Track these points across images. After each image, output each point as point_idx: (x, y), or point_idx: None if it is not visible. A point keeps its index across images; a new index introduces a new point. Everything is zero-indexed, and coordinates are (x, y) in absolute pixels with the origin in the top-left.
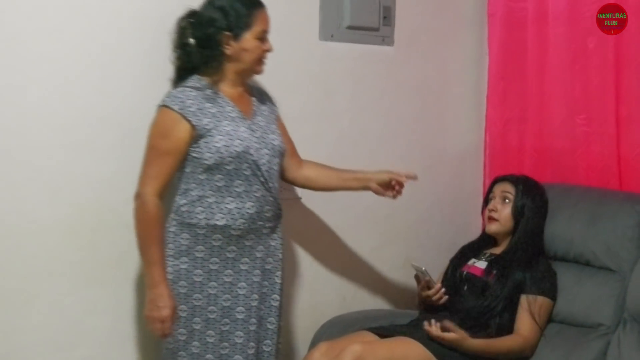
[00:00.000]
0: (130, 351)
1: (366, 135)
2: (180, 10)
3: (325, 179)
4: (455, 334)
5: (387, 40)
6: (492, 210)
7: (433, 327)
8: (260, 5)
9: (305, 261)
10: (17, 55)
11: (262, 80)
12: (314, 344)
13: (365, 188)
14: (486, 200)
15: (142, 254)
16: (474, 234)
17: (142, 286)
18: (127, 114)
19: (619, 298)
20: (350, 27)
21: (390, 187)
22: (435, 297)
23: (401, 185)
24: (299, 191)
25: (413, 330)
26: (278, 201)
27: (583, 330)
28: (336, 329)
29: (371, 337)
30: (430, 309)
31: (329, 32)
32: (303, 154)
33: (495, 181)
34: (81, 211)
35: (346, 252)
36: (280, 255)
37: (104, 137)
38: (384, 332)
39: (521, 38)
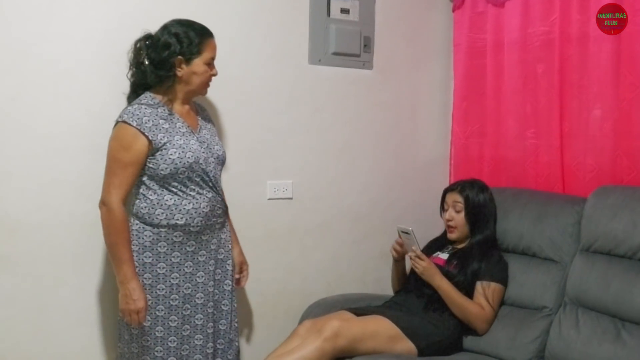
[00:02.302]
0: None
1: (348, 146)
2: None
3: None
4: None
5: (367, 64)
6: (449, 220)
7: (417, 251)
8: (210, 35)
9: (296, 252)
10: (48, 73)
11: (260, 97)
12: (301, 322)
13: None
14: (442, 207)
15: (113, 255)
16: (439, 231)
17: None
18: None
19: (561, 285)
20: (335, 53)
21: (238, 271)
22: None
23: (238, 282)
24: (291, 192)
25: (385, 309)
26: (224, 200)
27: (530, 312)
28: (320, 309)
29: (349, 315)
30: (401, 290)
31: (317, 57)
32: (293, 164)
33: (445, 191)
34: None
35: (331, 245)
36: (229, 246)
37: None
38: (360, 311)
39: (481, 64)
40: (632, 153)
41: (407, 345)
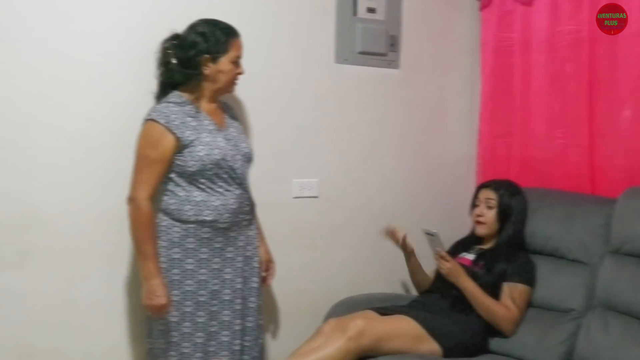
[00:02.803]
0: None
1: (374, 145)
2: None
3: None
4: (452, 264)
5: (394, 64)
6: (479, 215)
7: (442, 252)
8: (236, 34)
9: (321, 251)
10: (74, 72)
11: (286, 96)
12: (325, 320)
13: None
14: (473, 204)
15: (138, 251)
16: (466, 231)
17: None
18: None
19: (589, 287)
20: (361, 52)
21: (264, 269)
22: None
23: (264, 280)
24: (316, 191)
25: (410, 309)
26: (251, 198)
27: (557, 314)
28: (345, 308)
29: (373, 314)
30: (426, 290)
31: (343, 57)
32: (318, 162)
33: (479, 188)
34: None
35: (356, 244)
36: (256, 243)
37: None
38: (385, 311)
39: (509, 64)
40: None
41: (431, 346)
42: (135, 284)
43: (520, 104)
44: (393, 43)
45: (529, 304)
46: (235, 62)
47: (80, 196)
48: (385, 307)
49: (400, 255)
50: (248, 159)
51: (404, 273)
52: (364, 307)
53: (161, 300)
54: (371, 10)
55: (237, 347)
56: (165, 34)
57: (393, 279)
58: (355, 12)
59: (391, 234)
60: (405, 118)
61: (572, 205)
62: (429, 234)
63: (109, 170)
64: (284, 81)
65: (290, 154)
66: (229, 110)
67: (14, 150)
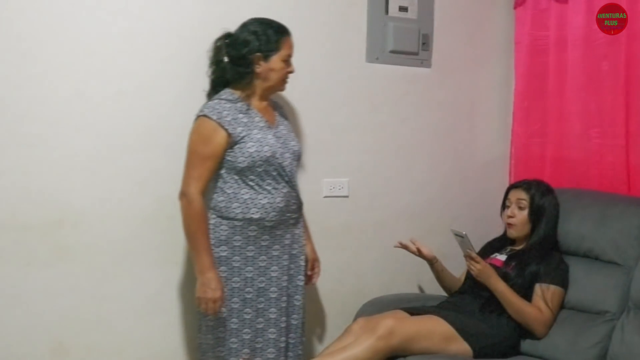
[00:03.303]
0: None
1: (405, 145)
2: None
3: None
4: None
5: (425, 63)
6: (511, 217)
7: (472, 253)
8: (288, 33)
9: (352, 251)
10: (112, 71)
11: (317, 95)
12: (355, 319)
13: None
14: (503, 206)
15: (192, 245)
16: (498, 232)
17: None
18: None
19: (624, 288)
20: (393, 51)
21: (310, 267)
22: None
23: (309, 278)
24: (347, 190)
25: (440, 310)
26: (299, 196)
27: (591, 316)
28: (375, 308)
29: (403, 314)
30: (457, 291)
31: (374, 55)
32: (349, 162)
33: (509, 188)
34: (160, 202)
35: (386, 244)
36: (303, 242)
37: (181, 140)
38: (415, 311)
39: (543, 62)
40: None
41: (462, 346)
42: (166, 281)
43: (555, 103)
44: (425, 42)
45: (562, 306)
46: (286, 61)
47: (113, 194)
48: (415, 307)
49: None
50: (297, 157)
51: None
52: (394, 306)
53: (216, 293)
54: (403, 8)
55: (282, 344)
56: (197, 34)
57: (423, 279)
58: (387, 11)
59: (404, 248)
60: (437, 117)
61: (607, 206)
62: (459, 235)
63: (142, 170)
64: (315, 80)
65: (320, 153)
66: (279, 108)
67: (48, 149)
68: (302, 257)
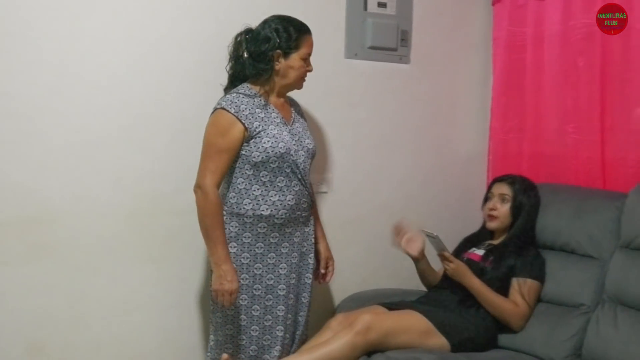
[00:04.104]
0: (175, 318)
1: (385, 141)
2: (217, 34)
3: None
4: (456, 264)
5: (404, 59)
6: (492, 209)
7: (446, 252)
8: (308, 32)
9: (331, 247)
10: (86, 67)
11: (296, 91)
12: (334, 315)
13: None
14: (485, 199)
15: (208, 237)
16: (477, 227)
17: (188, 263)
18: (178, 118)
19: (599, 282)
20: (371, 47)
21: (324, 266)
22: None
23: (323, 277)
24: (326, 186)
25: (419, 304)
26: (311, 194)
27: (567, 310)
28: (354, 303)
29: (381, 309)
30: (433, 286)
31: (353, 51)
32: (328, 157)
33: (493, 181)
34: (139, 199)
35: (366, 239)
36: (312, 240)
37: (159, 136)
38: (393, 306)
39: (521, 58)
40: None
41: (439, 341)
42: (144, 280)
43: (532, 99)
44: (404, 38)
45: (539, 299)
46: (305, 59)
47: (90, 191)
48: (393, 302)
49: None
50: (311, 155)
51: (413, 269)
52: (373, 302)
53: (232, 285)
54: (382, 4)
55: (287, 342)
56: (173, 30)
57: (403, 274)
58: (365, 7)
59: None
60: (415, 113)
61: (583, 200)
62: (430, 236)
63: (119, 166)
64: None
65: None
66: (295, 106)
67: (24, 146)
68: (311, 255)
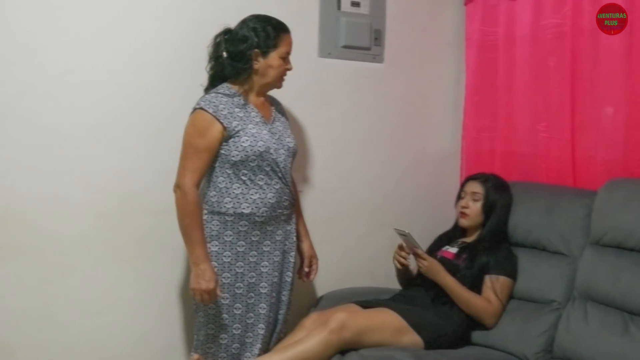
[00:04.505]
0: (149, 319)
1: (359, 140)
2: (190, 33)
3: None
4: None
5: (378, 58)
6: (464, 207)
7: (419, 250)
8: (287, 31)
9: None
10: (54, 64)
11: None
12: (308, 314)
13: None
14: (458, 196)
15: (186, 237)
16: (450, 225)
17: (160, 263)
18: (149, 117)
19: (570, 278)
20: (345, 46)
21: (308, 264)
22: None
23: (307, 275)
24: (301, 185)
25: (392, 302)
26: (292, 192)
27: (538, 306)
28: (329, 302)
29: (355, 308)
30: (408, 284)
31: (326, 50)
32: (303, 156)
33: (466, 180)
34: (109, 198)
35: (341, 238)
36: (294, 238)
37: (130, 135)
38: (367, 304)
39: (493, 58)
40: None
41: (413, 338)
42: (116, 281)
43: (504, 98)
44: (377, 37)
45: (511, 296)
46: (284, 58)
47: (60, 191)
48: (368, 300)
49: (384, 248)
50: (292, 153)
51: (388, 267)
52: (347, 300)
53: (210, 284)
54: (355, 4)
55: (267, 340)
56: (144, 29)
57: (378, 273)
58: (339, 6)
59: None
60: (389, 112)
61: (554, 198)
62: (402, 235)
63: (90, 166)
64: None
65: None
66: (277, 105)
67: None
68: (293, 253)
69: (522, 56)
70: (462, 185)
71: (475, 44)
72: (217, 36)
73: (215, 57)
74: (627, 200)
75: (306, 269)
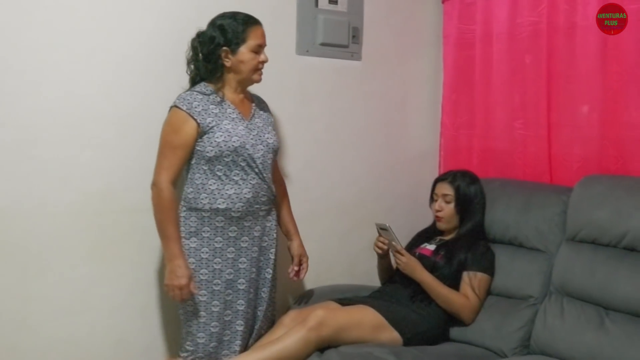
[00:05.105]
0: (129, 318)
1: (337, 138)
2: (169, 31)
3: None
4: (408, 258)
5: (356, 55)
6: (438, 210)
7: (398, 246)
8: (255, 22)
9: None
10: (30, 61)
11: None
12: (287, 312)
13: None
14: (431, 198)
15: (161, 233)
16: (429, 222)
17: (139, 262)
18: (127, 114)
19: (546, 274)
20: (323, 44)
21: (297, 263)
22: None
23: (297, 274)
24: None
25: (371, 299)
26: (272, 188)
27: (516, 301)
28: (308, 299)
29: (334, 305)
30: (387, 281)
31: (304, 48)
32: (281, 153)
33: (436, 182)
34: (87, 197)
35: (320, 236)
36: (274, 235)
37: (108, 133)
38: (346, 301)
39: (470, 56)
40: (618, 142)
41: (392, 335)
42: (94, 279)
43: (482, 95)
44: (355, 35)
45: (488, 292)
46: (256, 51)
47: (35, 190)
48: (346, 297)
49: (364, 246)
50: (271, 149)
51: (367, 265)
52: (327, 298)
53: (182, 280)
54: (333, 1)
55: (246, 335)
56: (120, 26)
57: (357, 270)
58: (316, 3)
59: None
60: (367, 110)
61: (530, 194)
62: (383, 229)
63: (66, 164)
64: None
65: None
66: (258, 102)
67: None
68: (273, 250)
69: (499, 54)
70: (433, 187)
71: (453, 42)
72: (192, 40)
73: (193, 60)
74: (602, 196)
75: (295, 268)
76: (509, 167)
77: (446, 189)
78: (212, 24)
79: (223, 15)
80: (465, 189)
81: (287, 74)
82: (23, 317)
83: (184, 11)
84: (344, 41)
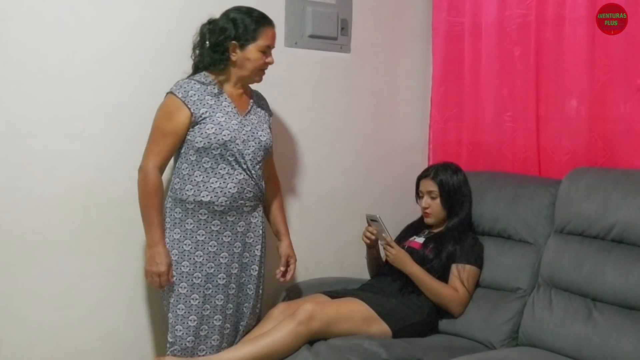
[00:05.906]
0: (116, 312)
1: (326, 131)
2: (156, 23)
3: (266, 207)
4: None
5: (345, 48)
6: (425, 207)
7: (388, 238)
8: (269, 23)
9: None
10: (17, 54)
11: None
12: (277, 305)
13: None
14: (417, 194)
15: (144, 218)
16: (418, 214)
17: (127, 255)
18: (115, 108)
19: (535, 266)
20: (312, 36)
21: (284, 263)
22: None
23: (283, 274)
24: None
25: (360, 292)
26: (260, 185)
27: (504, 294)
28: (297, 292)
29: (323, 298)
30: (376, 274)
31: (293, 40)
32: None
33: (419, 178)
34: (74, 190)
35: (309, 229)
36: (260, 231)
37: (95, 126)
38: (335, 294)
39: (459, 48)
40: (606, 135)
41: (381, 327)
42: (80, 273)
43: (470, 88)
44: (344, 27)
45: (477, 285)
46: (264, 52)
47: (21, 183)
48: (335, 290)
49: (353, 239)
50: (263, 147)
51: (356, 258)
52: (316, 291)
53: (161, 267)
54: None
55: (226, 331)
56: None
57: (346, 263)
58: None
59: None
60: (356, 102)
61: (519, 187)
62: (373, 220)
63: (52, 157)
64: None
65: None
66: (258, 99)
67: None
68: (259, 246)
69: (487, 46)
70: (417, 184)
71: (442, 34)
72: (202, 26)
73: (199, 46)
74: (590, 189)
75: (282, 268)
76: (497, 159)
77: (430, 185)
78: (226, 15)
79: (239, 9)
80: (448, 182)
81: (275, 66)
82: (9, 311)
83: (172, 3)
84: (333, 33)
